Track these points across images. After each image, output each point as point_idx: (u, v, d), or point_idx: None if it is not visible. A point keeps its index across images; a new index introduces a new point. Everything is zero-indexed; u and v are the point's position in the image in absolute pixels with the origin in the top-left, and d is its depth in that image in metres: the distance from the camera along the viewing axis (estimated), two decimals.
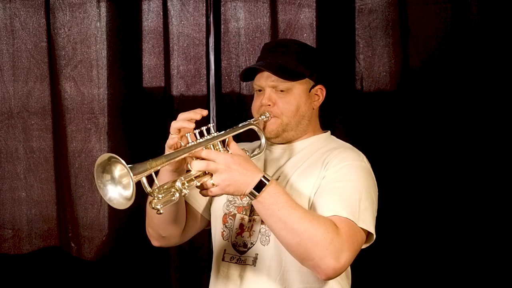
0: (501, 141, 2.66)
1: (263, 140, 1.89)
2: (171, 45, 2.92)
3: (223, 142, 1.73)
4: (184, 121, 1.68)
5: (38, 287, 3.02)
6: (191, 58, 2.91)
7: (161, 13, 2.90)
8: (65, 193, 2.97)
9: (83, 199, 2.96)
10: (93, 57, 2.93)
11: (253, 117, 1.92)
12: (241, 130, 1.82)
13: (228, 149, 1.71)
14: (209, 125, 1.70)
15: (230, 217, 1.90)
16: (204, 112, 1.70)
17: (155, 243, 1.99)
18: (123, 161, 1.45)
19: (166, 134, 2.84)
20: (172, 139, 1.70)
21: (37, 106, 2.96)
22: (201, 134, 1.68)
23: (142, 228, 2.03)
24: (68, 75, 2.94)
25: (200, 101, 2.91)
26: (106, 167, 1.49)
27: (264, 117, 1.88)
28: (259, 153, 1.88)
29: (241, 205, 1.88)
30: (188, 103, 2.92)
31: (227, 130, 1.77)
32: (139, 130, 2.93)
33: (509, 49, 2.64)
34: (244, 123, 1.85)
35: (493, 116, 2.66)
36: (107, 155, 1.47)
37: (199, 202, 1.97)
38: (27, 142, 2.98)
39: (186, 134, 1.68)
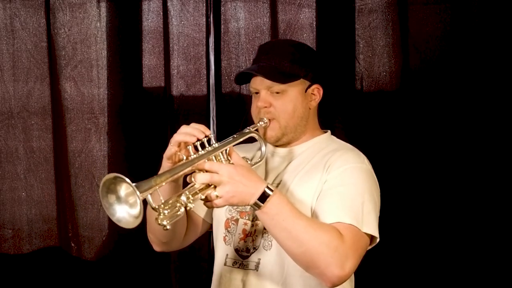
0: (501, 141, 2.67)
1: (263, 148, 1.88)
2: (171, 45, 2.91)
3: (224, 151, 1.72)
4: (186, 135, 1.67)
5: (38, 287, 3.02)
6: (191, 58, 2.91)
7: (161, 13, 2.90)
8: (65, 193, 2.97)
9: (83, 199, 2.96)
10: (93, 57, 2.93)
11: (253, 121, 1.91)
12: (241, 139, 1.81)
13: (229, 159, 1.71)
14: (209, 135, 1.69)
15: (232, 222, 1.89)
16: (208, 132, 1.69)
17: (156, 248, 1.99)
18: (128, 180, 1.44)
19: (166, 134, 2.87)
20: (170, 150, 1.69)
21: (37, 106, 2.96)
22: (202, 146, 1.67)
23: (142, 228, 2.02)
24: (68, 75, 2.93)
25: (200, 101, 2.91)
26: (111, 186, 1.48)
27: (262, 123, 1.86)
28: (260, 161, 1.87)
29: (243, 210, 1.87)
30: (188, 103, 2.92)
31: (227, 140, 1.75)
32: (139, 130, 2.93)
33: (509, 49, 2.64)
34: (244, 131, 1.84)
35: (493, 116, 2.67)
36: (112, 175, 1.45)
37: (201, 207, 1.95)
38: (27, 142, 2.97)
39: (188, 146, 1.67)
